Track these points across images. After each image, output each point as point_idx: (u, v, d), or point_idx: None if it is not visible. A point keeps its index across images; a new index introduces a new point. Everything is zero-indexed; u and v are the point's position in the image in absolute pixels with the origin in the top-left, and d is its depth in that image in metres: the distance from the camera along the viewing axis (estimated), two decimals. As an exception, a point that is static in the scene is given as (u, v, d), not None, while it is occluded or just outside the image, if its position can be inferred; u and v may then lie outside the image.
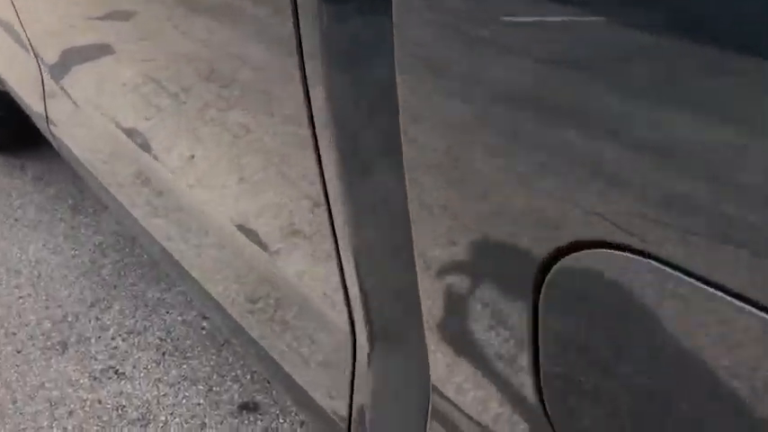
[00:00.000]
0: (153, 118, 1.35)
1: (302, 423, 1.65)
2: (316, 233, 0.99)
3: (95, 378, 1.84)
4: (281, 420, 1.68)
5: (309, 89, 0.82)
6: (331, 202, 0.88)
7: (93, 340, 1.95)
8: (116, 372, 1.85)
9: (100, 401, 1.77)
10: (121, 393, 1.79)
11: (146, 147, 1.42)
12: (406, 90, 0.67)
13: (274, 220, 1.09)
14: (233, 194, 1.18)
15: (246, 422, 1.68)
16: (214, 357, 1.87)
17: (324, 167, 0.86)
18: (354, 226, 0.87)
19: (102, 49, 1.48)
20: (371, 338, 0.94)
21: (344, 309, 0.95)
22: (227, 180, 1.18)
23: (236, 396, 1.75)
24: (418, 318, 0.81)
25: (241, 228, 1.19)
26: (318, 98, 0.81)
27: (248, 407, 1.72)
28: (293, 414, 1.68)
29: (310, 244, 1.01)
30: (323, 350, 1.08)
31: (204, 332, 1.95)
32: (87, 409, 1.75)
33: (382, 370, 0.96)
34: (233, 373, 1.82)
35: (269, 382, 1.76)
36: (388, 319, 0.91)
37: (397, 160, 0.73)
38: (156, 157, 1.41)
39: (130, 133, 1.47)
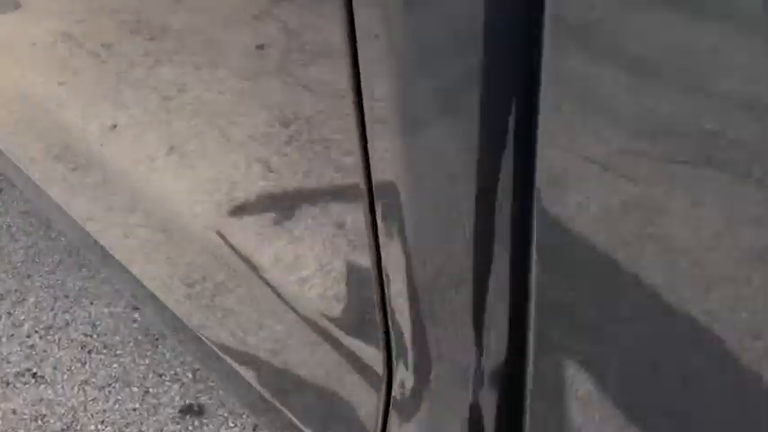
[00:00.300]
0: (68, 82, 1.35)
1: (255, 427, 1.65)
2: (270, 205, 0.97)
3: (8, 383, 1.81)
4: (231, 424, 1.67)
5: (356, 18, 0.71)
6: (374, 171, 0.75)
7: (4, 339, 1.92)
8: (33, 375, 1.82)
9: (15, 411, 1.74)
10: (41, 400, 1.76)
11: (60, 116, 1.41)
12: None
13: (214, 193, 1.09)
14: (163, 165, 1.19)
15: (191, 427, 1.68)
16: (149, 354, 1.84)
17: (368, 125, 0.74)
18: (418, 209, 0.73)
19: (5, 2, 1.45)
20: (422, 369, 0.82)
21: (380, 321, 0.85)
22: (157, 150, 1.19)
23: (176, 398, 1.74)
24: (503, 348, 0.72)
25: (178, 204, 1.20)
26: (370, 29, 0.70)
27: (192, 410, 1.71)
28: (244, 416, 1.67)
29: (261, 219, 1.01)
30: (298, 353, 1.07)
31: (136, 325, 1.92)
32: (0, 420, 1.73)
33: (435, 412, 0.84)
34: (172, 372, 1.80)
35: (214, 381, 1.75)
36: (452, 345, 0.78)
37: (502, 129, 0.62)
38: (72, 128, 1.40)
39: (42, 100, 1.46)
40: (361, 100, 0.71)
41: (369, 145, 0.73)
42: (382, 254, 0.79)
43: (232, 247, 1.09)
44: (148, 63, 1.11)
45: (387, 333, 0.85)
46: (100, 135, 1.30)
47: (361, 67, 0.70)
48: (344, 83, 0.72)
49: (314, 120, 0.86)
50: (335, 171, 0.87)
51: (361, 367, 0.94)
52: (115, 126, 1.25)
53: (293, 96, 0.87)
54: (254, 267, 1.06)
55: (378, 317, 0.85)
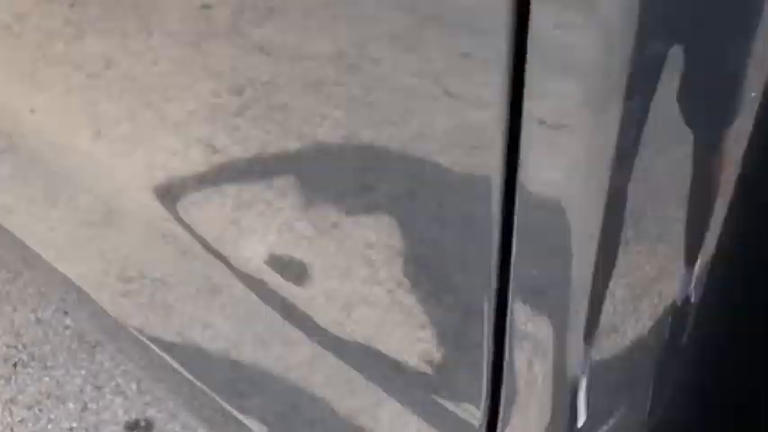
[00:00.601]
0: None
1: (212, 441, 1.63)
2: (218, 184, 0.97)
3: (-77, 406, 1.79)
4: (185, 439, 1.68)
5: None
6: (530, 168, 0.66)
7: None
8: (-49, 395, 1.80)
9: (-68, 437, 1.73)
10: (-38, 424, 1.74)
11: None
12: None
13: (149, 181, 1.09)
14: (90, 151, 1.17)
15: (139, 445, 1.68)
16: (85, 364, 1.82)
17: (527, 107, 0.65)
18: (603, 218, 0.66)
19: None
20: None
21: (487, 359, 0.78)
22: (82, 134, 1.17)
23: (120, 413, 1.72)
24: None
25: (108, 194, 1.19)
26: None
27: (139, 426, 1.69)
28: (199, 430, 1.63)
29: (208, 204, 1.00)
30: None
31: (68, 332, 1.89)
32: None
33: None
34: (113, 383, 1.77)
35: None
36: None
37: None
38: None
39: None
40: (522, 76, 0.62)
41: (523, 133, 0.64)
42: (513, 270, 0.71)
43: (182, 232, 1.08)
44: (69, 35, 1.09)
45: (497, 374, 0.78)
46: (16, 120, 1.27)
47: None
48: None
49: (272, 85, 0.85)
50: (299, 140, 0.85)
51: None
52: (33, 110, 1.22)
53: (246, 61, 0.85)
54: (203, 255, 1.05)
55: (485, 350, 0.77)
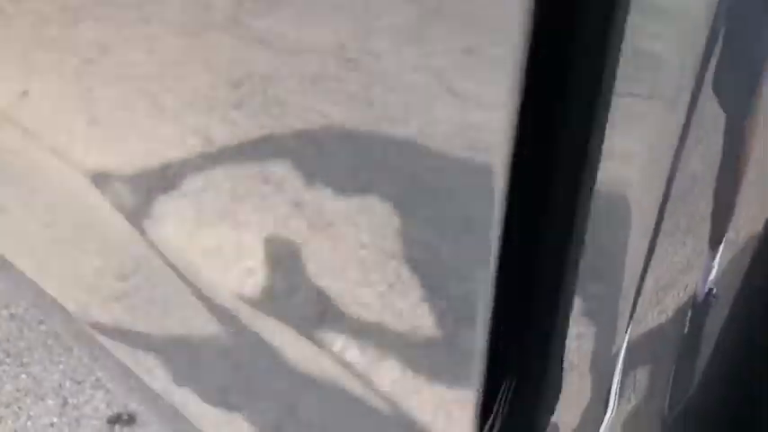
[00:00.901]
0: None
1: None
2: (213, 182, 0.95)
3: None
4: None
5: None
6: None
7: None
8: (-75, 395, 1.80)
9: None
10: (-63, 423, 1.74)
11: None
12: None
13: (145, 172, 1.07)
14: (85, 138, 1.16)
15: (122, 439, 1.68)
16: (63, 359, 1.81)
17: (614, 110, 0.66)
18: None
19: None
20: None
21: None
22: (76, 121, 1.16)
23: (102, 407, 1.72)
24: None
25: (97, 182, 1.17)
26: None
27: (121, 419, 1.69)
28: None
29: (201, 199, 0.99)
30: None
31: (44, 327, 1.89)
32: None
33: None
34: (93, 378, 1.77)
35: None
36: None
37: None
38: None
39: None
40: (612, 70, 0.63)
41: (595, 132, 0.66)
42: (581, 263, 0.73)
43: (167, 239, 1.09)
44: (65, 19, 1.09)
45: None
46: (7, 103, 1.26)
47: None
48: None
49: (271, 78, 0.85)
50: (296, 138, 0.85)
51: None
52: (26, 93, 1.22)
53: (245, 53, 0.85)
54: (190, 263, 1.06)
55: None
